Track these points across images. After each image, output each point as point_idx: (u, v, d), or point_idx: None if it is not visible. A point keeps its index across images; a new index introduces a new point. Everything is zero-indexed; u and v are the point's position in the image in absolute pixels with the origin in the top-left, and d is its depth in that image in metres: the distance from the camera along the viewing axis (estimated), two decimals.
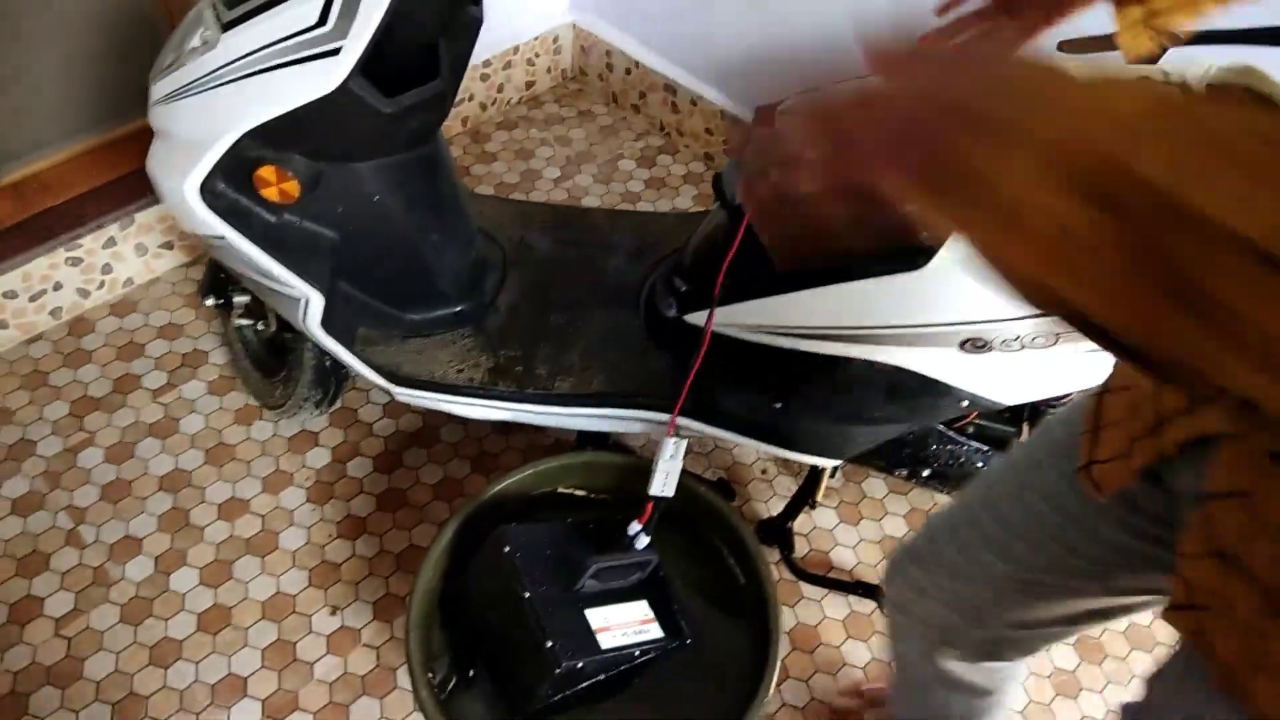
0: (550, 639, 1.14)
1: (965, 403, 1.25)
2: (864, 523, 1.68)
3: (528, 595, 1.17)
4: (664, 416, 1.35)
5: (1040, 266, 0.38)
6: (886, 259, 1.12)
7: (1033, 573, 0.85)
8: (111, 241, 1.87)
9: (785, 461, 1.75)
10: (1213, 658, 0.59)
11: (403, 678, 1.47)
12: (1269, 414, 0.36)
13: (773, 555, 1.61)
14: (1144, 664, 1.56)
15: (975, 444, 1.41)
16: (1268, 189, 0.34)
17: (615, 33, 2.30)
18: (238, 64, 1.15)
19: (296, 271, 1.29)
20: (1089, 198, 0.36)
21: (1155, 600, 0.81)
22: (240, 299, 1.61)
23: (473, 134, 2.32)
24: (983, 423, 1.44)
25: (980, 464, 1.42)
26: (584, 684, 1.21)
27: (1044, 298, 0.39)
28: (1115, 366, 0.76)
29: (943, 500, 1.67)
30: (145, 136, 1.35)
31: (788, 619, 1.56)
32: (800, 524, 1.66)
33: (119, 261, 1.90)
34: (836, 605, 1.59)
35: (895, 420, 1.28)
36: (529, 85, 2.40)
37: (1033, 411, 1.43)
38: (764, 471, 1.74)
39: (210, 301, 1.62)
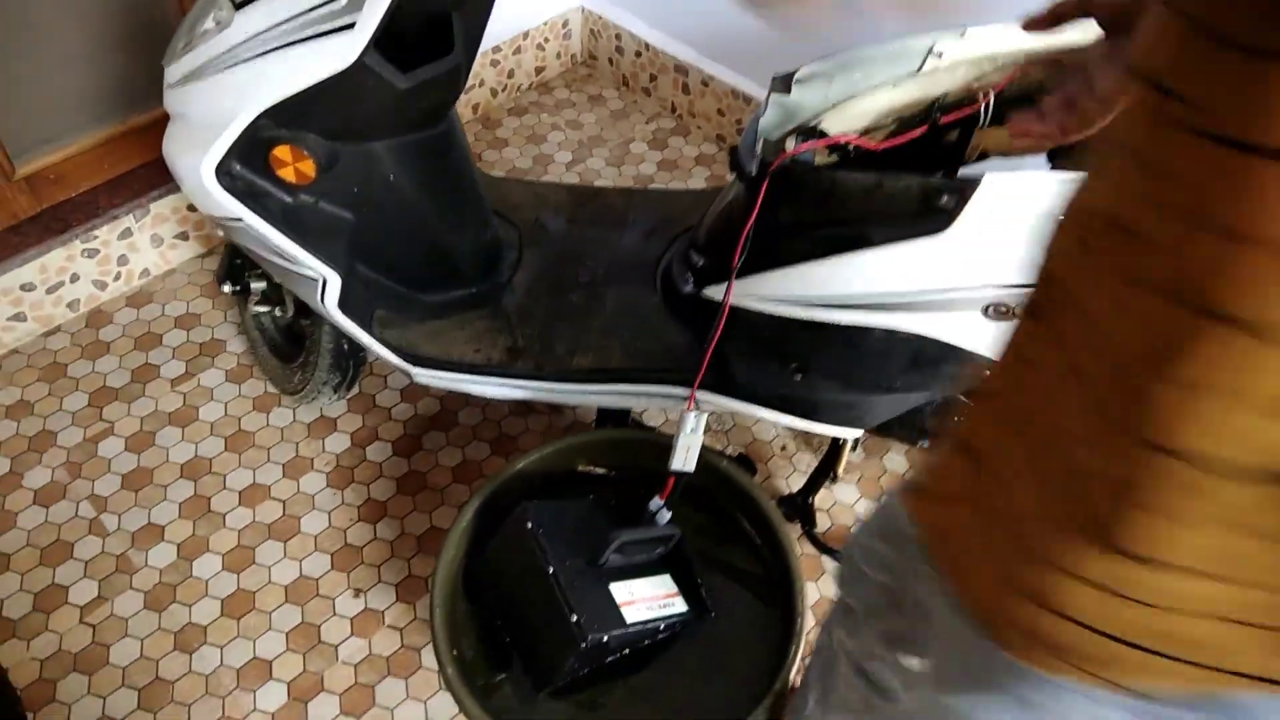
0: (576, 613, 1.14)
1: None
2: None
3: (552, 570, 1.17)
4: (684, 391, 1.34)
5: None
6: (908, 224, 1.11)
7: None
8: (127, 233, 1.87)
9: (805, 437, 1.75)
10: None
11: (427, 657, 1.47)
12: None
13: (794, 530, 1.60)
14: None
15: None
16: None
17: (625, 15, 2.30)
18: (251, 43, 1.14)
19: (313, 252, 1.29)
20: None
21: None
22: (257, 285, 1.62)
23: (484, 120, 2.32)
24: None
25: None
26: (609, 658, 1.21)
27: None
28: None
29: None
30: (159, 127, 1.35)
31: (810, 593, 1.55)
32: (821, 499, 1.65)
33: (134, 253, 1.91)
34: None
35: (917, 389, 1.27)
36: (539, 70, 2.40)
37: None
38: (784, 448, 1.73)
39: (227, 288, 1.63)
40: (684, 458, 1.28)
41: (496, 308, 1.49)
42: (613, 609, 1.18)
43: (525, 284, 1.52)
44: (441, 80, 1.19)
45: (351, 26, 1.09)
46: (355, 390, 1.78)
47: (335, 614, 1.52)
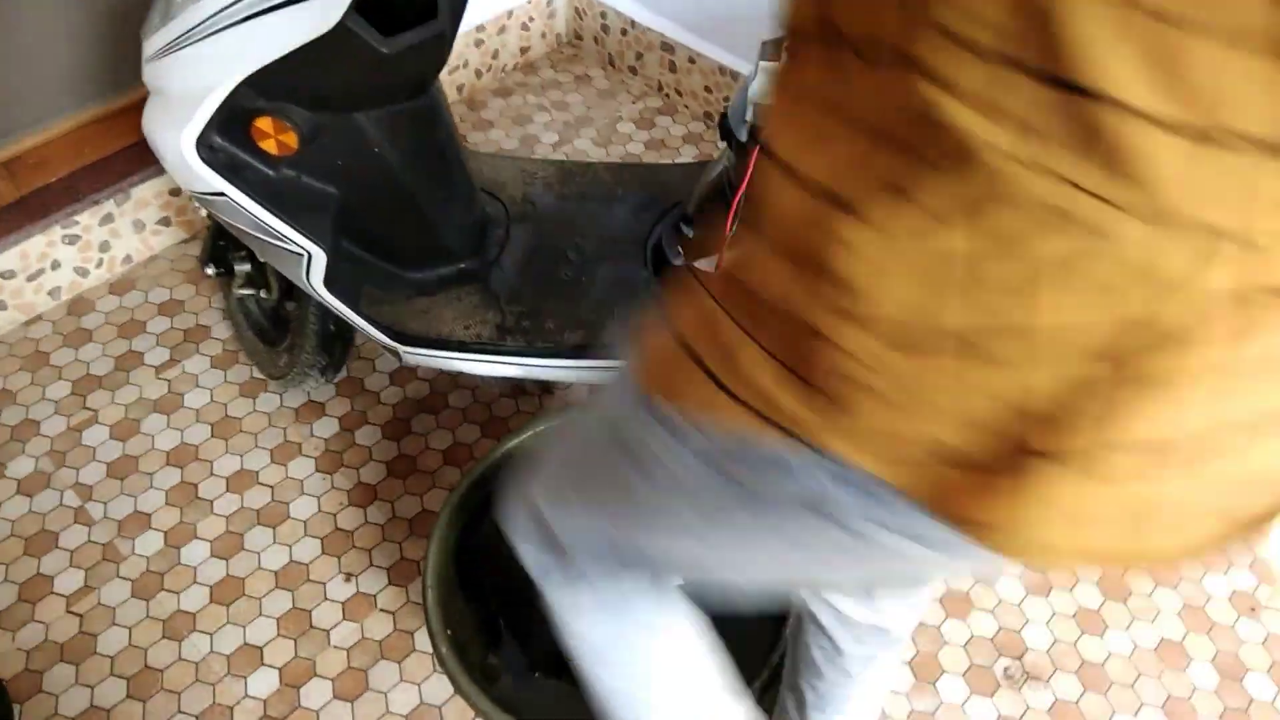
0: None
1: None
2: None
3: None
4: None
5: None
6: None
7: None
8: (109, 218, 1.84)
9: None
10: None
11: (420, 640, 1.45)
12: None
13: None
14: (1170, 601, 1.54)
15: None
16: None
17: None
18: (230, 10, 1.11)
19: (297, 227, 1.26)
20: None
21: None
22: (242, 267, 1.59)
23: (469, 102, 2.29)
24: None
25: None
26: None
27: None
28: None
29: None
30: (140, 110, 1.32)
31: None
32: None
33: (116, 239, 1.88)
34: None
35: None
36: (524, 51, 2.37)
37: None
38: None
39: (211, 270, 1.60)
40: None
41: (486, 285, 1.46)
42: None
43: (514, 260, 1.50)
44: (426, 47, 1.16)
45: None
46: (343, 374, 1.75)
47: (326, 599, 1.50)
